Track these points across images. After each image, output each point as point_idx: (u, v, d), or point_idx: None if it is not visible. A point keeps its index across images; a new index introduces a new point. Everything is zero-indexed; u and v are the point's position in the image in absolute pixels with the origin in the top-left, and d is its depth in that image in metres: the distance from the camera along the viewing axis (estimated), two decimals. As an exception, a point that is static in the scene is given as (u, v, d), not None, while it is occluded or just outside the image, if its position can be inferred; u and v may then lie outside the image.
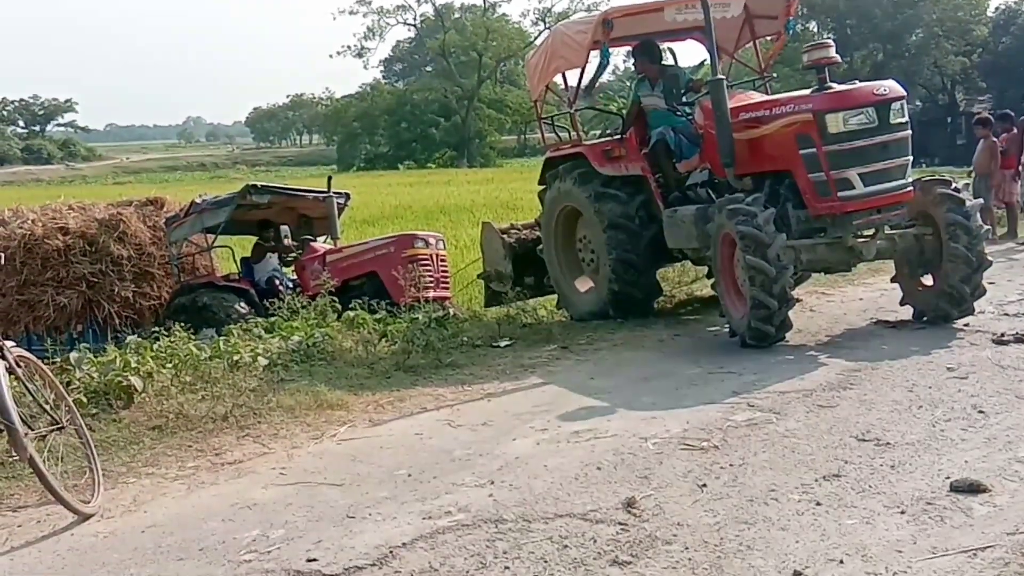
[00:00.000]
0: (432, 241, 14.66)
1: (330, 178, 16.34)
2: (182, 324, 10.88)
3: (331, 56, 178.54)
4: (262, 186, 15.30)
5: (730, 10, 10.72)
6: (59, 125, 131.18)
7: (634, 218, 10.78)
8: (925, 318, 9.49)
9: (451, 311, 12.03)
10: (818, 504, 5.14)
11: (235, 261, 15.98)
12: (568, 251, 12.07)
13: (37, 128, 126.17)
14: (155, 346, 9.39)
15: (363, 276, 14.12)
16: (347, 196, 16.41)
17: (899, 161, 9.03)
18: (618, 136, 11.39)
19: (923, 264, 9.55)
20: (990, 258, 9.28)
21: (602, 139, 12.47)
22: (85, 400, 7.76)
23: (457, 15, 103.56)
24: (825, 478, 5.53)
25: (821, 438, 6.25)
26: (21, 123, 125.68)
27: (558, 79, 12.39)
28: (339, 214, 15.68)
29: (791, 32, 11.48)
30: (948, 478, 5.36)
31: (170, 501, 6.07)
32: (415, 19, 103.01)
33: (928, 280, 9.60)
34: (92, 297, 14.87)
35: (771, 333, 8.81)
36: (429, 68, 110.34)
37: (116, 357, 8.56)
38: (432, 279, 13.76)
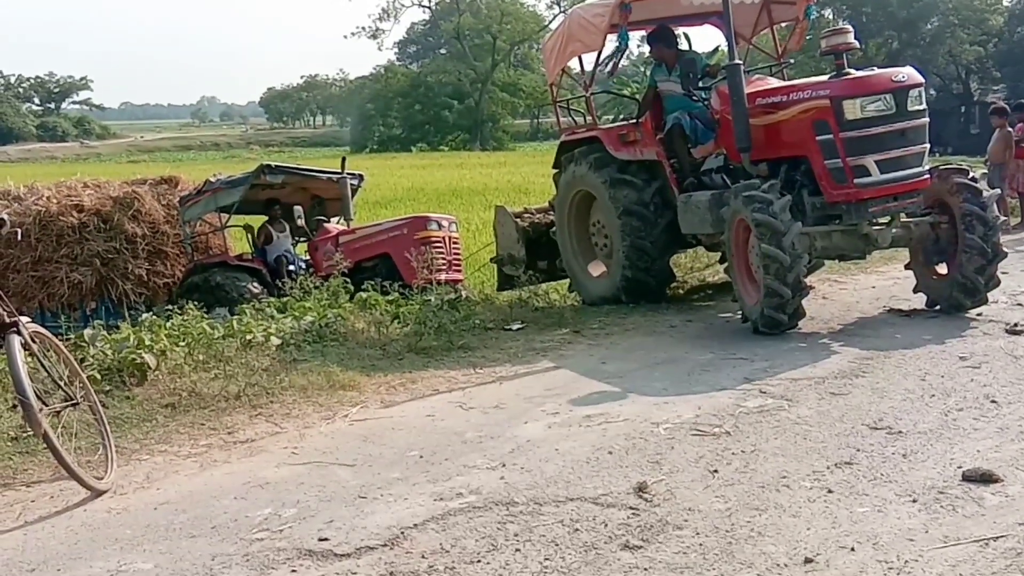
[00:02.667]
0: (445, 223, 14.68)
1: (344, 159, 16.37)
2: (195, 303, 10.91)
3: (345, 37, 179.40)
4: (276, 166, 15.39)
5: None
6: (74, 103, 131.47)
7: (649, 205, 10.73)
8: (938, 307, 9.45)
9: (463, 293, 12.03)
10: (830, 491, 5.14)
11: (249, 241, 16.03)
12: (581, 235, 12.03)
13: (52, 106, 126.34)
14: (168, 324, 9.42)
15: (376, 257, 14.12)
16: (361, 177, 16.42)
17: (916, 149, 8.97)
18: (633, 120, 11.33)
19: (938, 252, 9.47)
20: (1005, 249, 9.23)
21: (617, 123, 12.39)
22: (99, 377, 7.81)
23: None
24: (837, 465, 5.52)
25: (833, 425, 6.24)
26: (36, 100, 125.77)
27: (574, 63, 12.29)
28: (353, 195, 15.71)
29: (811, 18, 11.35)
30: (960, 467, 5.35)
31: (182, 479, 6.10)
32: (430, 1, 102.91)
33: (943, 269, 9.51)
34: (106, 274, 14.95)
35: (784, 321, 8.77)
36: (443, 51, 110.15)
37: (130, 334, 8.61)
38: (445, 261, 13.83)
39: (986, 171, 16.43)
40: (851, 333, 9.00)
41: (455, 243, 14.68)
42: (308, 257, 15.39)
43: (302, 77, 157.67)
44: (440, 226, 14.47)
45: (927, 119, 9.10)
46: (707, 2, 10.65)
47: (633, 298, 10.96)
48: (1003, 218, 9.54)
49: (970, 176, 9.30)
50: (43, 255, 14.89)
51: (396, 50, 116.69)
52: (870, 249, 9.55)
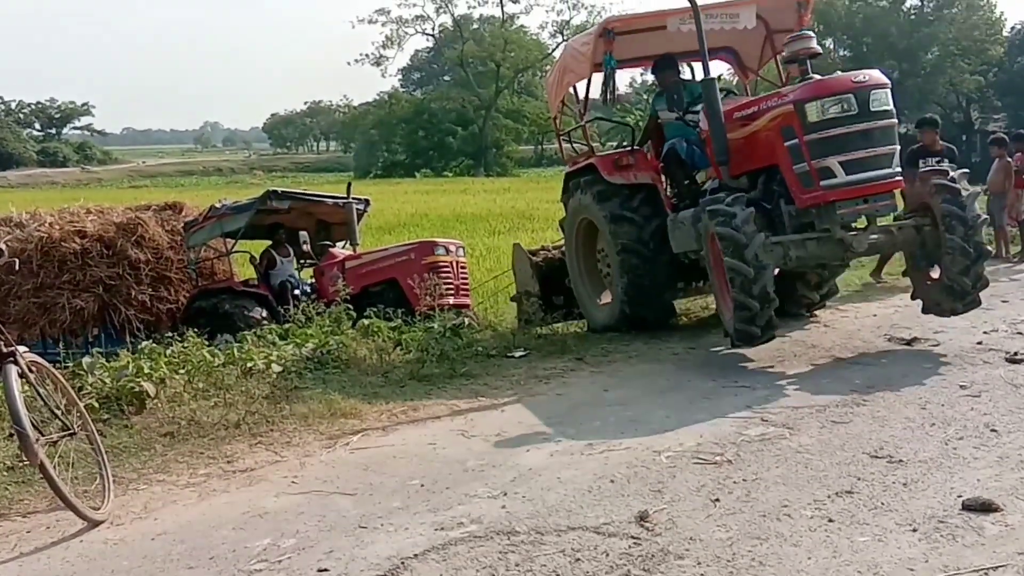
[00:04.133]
0: (452, 248, 14.69)
1: (350, 184, 16.42)
2: (199, 329, 10.92)
3: (349, 64, 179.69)
4: (283, 192, 15.37)
5: (740, 21, 10.68)
6: (75, 128, 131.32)
7: (649, 243, 10.69)
8: (930, 312, 9.47)
9: (466, 320, 12.02)
10: (830, 521, 5.12)
11: (253, 266, 15.95)
12: (589, 260, 12.05)
13: (53, 131, 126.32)
14: (168, 352, 9.42)
15: (382, 283, 14.08)
16: (367, 202, 16.42)
17: (883, 150, 8.88)
18: (629, 148, 11.46)
19: (926, 257, 9.43)
20: (990, 248, 9.27)
21: (614, 151, 12.52)
22: (97, 405, 7.82)
23: (475, 26, 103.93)
24: (838, 494, 5.50)
25: (834, 454, 6.22)
26: (37, 126, 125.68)
27: (579, 90, 12.36)
28: (359, 220, 15.71)
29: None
30: (960, 496, 5.32)
31: (181, 508, 6.08)
32: (433, 29, 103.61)
33: (935, 273, 9.45)
34: (108, 300, 14.86)
35: (756, 334, 8.74)
36: (447, 77, 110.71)
37: (129, 362, 8.62)
38: (452, 286, 13.78)
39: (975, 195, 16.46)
40: (852, 361, 8.99)
41: (463, 268, 14.68)
42: (312, 281, 15.35)
43: (306, 103, 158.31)
44: (447, 251, 14.46)
45: (894, 120, 8.98)
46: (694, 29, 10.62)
47: (634, 328, 10.93)
48: (985, 217, 9.35)
49: (949, 176, 9.20)
50: (45, 281, 14.78)
51: (400, 77, 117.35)
52: (848, 256, 9.55)
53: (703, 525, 5.18)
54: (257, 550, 5.24)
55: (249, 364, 9.14)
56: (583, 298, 12.08)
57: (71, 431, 6.18)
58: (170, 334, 11.44)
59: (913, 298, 9.78)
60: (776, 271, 9.10)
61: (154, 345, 9.81)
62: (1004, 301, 9.54)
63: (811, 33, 9.70)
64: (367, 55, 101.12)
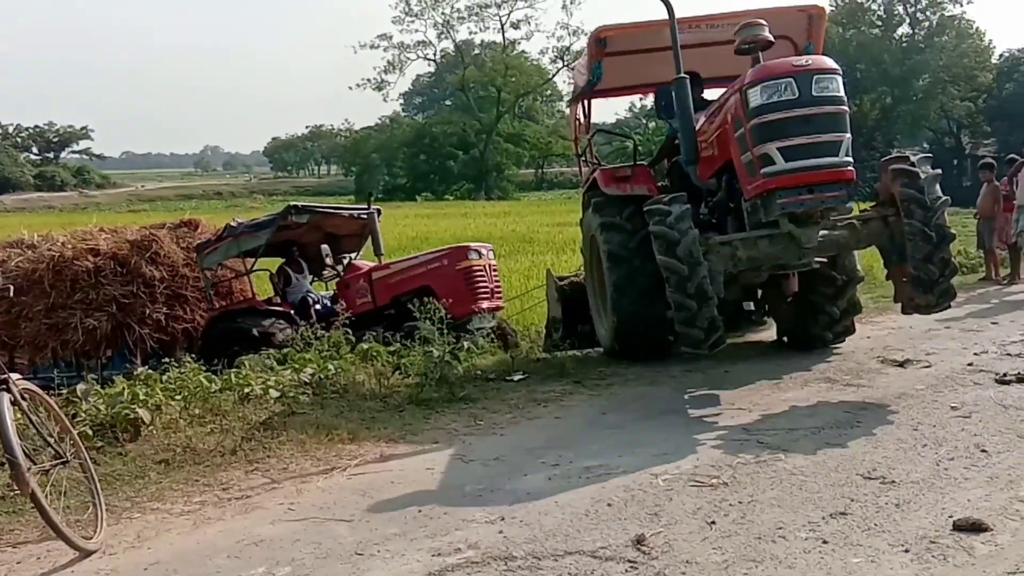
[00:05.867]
0: (484, 251, 14.44)
1: (371, 194, 16.19)
2: (222, 351, 10.87)
3: (351, 88, 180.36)
4: (303, 206, 14.97)
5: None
6: (74, 152, 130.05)
7: (637, 250, 10.17)
8: (908, 312, 9.21)
9: (491, 323, 11.99)
10: (824, 542, 5.14)
11: (272, 284, 15.69)
12: (600, 280, 11.50)
13: (51, 155, 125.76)
14: (164, 378, 9.42)
15: (414, 291, 13.59)
16: (378, 212, 15.99)
17: (827, 137, 8.49)
18: (633, 163, 11.32)
19: (898, 252, 8.99)
20: (953, 231, 8.75)
21: (618, 164, 12.31)
22: (91, 433, 7.80)
23: (477, 51, 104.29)
24: (832, 516, 5.53)
25: (828, 476, 6.25)
26: (35, 150, 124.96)
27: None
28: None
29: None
30: (951, 517, 5.37)
31: (175, 537, 6.06)
32: (435, 54, 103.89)
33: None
34: (122, 320, 14.42)
35: (699, 337, 8.53)
36: (448, 102, 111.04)
37: (124, 389, 8.59)
38: (487, 290, 13.71)
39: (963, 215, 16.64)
40: (846, 383, 9.02)
41: (495, 271, 14.42)
42: (329, 294, 15.19)
43: (307, 127, 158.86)
44: (480, 255, 14.18)
45: (842, 107, 8.60)
46: (691, 39, 10.50)
47: (627, 352, 10.68)
48: (946, 199, 8.74)
49: (908, 161, 8.86)
50: (57, 302, 14.36)
51: (401, 101, 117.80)
52: (803, 255, 9.09)
53: (699, 548, 5.19)
54: (252, 578, 5.22)
55: (246, 390, 9.15)
56: (595, 319, 11.84)
57: (64, 459, 6.14)
58: (188, 357, 11.36)
59: (895, 300, 9.47)
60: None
61: (150, 371, 9.80)
62: (993, 323, 9.58)
63: (762, 21, 9.34)
64: (369, 80, 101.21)
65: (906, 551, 4.97)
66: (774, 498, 5.91)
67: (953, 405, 7.91)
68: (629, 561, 5.08)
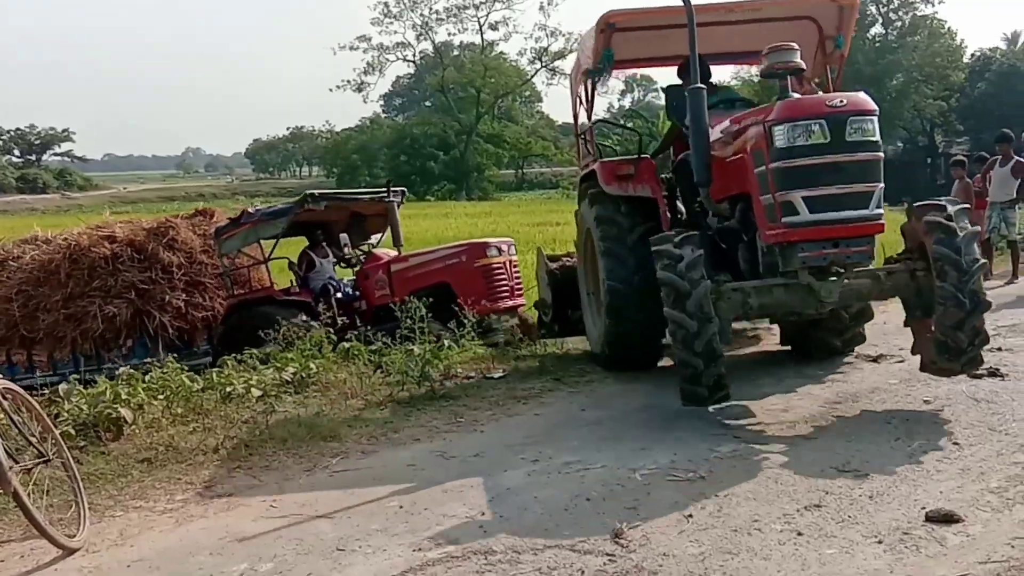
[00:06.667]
0: (504, 247, 14.03)
1: (390, 181, 15.73)
2: (239, 343, 11.05)
3: (331, 90, 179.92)
4: (320, 194, 14.51)
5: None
6: (56, 155, 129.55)
7: (634, 248, 9.51)
8: (927, 371, 8.24)
9: (513, 321, 11.89)
10: (799, 534, 5.22)
11: (292, 271, 15.19)
12: (594, 281, 10.78)
13: (33, 158, 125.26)
14: (147, 377, 9.44)
15: (431, 287, 13.31)
16: (403, 193, 15.66)
17: (859, 187, 7.53)
18: (636, 156, 10.16)
19: (923, 307, 8.14)
20: (989, 298, 7.88)
21: (619, 158, 10.86)
22: (74, 432, 7.83)
23: (456, 53, 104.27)
24: (807, 508, 5.61)
25: (803, 469, 6.33)
26: (17, 152, 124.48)
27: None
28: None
29: (840, 49, 10.45)
30: (924, 508, 5.45)
31: (157, 535, 6.09)
32: (414, 56, 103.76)
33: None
34: (142, 306, 14.29)
35: (703, 396, 7.67)
36: (428, 103, 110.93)
37: (106, 389, 8.62)
38: (507, 288, 13.46)
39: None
40: (820, 379, 9.10)
41: (515, 267, 14.13)
42: (350, 280, 14.88)
43: (288, 128, 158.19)
44: (500, 251, 13.78)
45: (876, 153, 7.60)
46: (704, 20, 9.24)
47: (617, 357, 10.06)
48: (983, 261, 8.05)
49: (945, 213, 7.84)
50: (75, 291, 14.30)
51: (382, 102, 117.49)
52: (820, 307, 8.14)
53: (676, 541, 5.26)
54: (234, 575, 5.28)
55: (228, 389, 9.18)
56: (585, 313, 11.26)
57: (46, 458, 6.16)
58: (207, 347, 11.23)
59: (913, 352, 8.54)
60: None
61: (131, 371, 9.82)
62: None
63: (794, 45, 8.24)
64: (349, 81, 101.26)
65: (879, 542, 5.05)
66: (750, 491, 5.98)
67: (926, 399, 8.00)
68: (607, 554, 5.14)
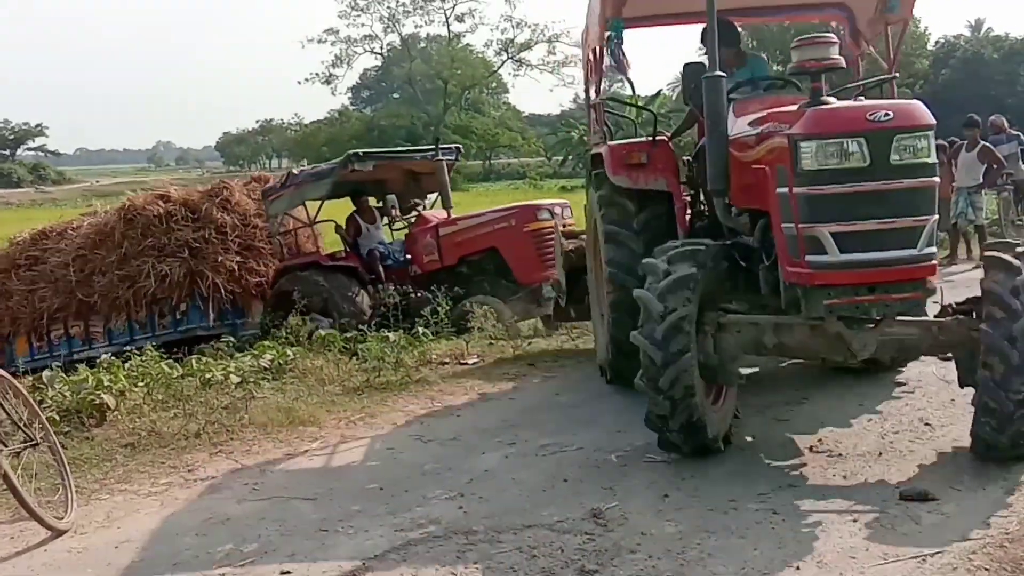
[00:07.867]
0: (558, 210, 13.16)
1: (438, 139, 15.44)
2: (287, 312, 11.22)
3: (300, 83, 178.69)
4: (365, 153, 14.12)
5: None
6: (29, 149, 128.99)
7: (639, 234, 8.10)
8: (974, 451, 6.08)
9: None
10: (775, 513, 5.32)
11: (340, 235, 14.76)
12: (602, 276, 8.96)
13: (7, 152, 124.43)
14: (127, 365, 9.47)
15: (481, 252, 13.15)
16: (458, 151, 15.28)
17: (904, 222, 5.79)
18: (651, 139, 8.54)
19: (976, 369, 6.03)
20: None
21: (630, 140, 9.03)
22: (58, 418, 7.86)
23: (423, 45, 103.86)
24: (782, 488, 5.71)
25: (778, 450, 6.44)
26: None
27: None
28: (448, 172, 14.58)
29: (894, 11, 8.55)
30: (897, 487, 5.56)
31: (143, 517, 6.13)
32: (382, 48, 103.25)
33: None
34: (195, 267, 13.99)
35: (675, 442, 6.35)
36: (396, 95, 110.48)
37: (88, 376, 8.65)
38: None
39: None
40: (793, 362, 8.97)
41: None
42: (400, 244, 14.44)
43: (257, 121, 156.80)
44: (552, 214, 12.92)
45: (931, 179, 5.85)
46: None
47: (624, 375, 7.53)
48: None
49: (1014, 252, 6.06)
50: (129, 251, 14.11)
51: (350, 95, 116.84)
52: (849, 357, 6.36)
53: (654, 520, 5.35)
54: (219, 555, 5.33)
55: (207, 375, 9.21)
56: (593, 310, 9.93)
57: (34, 442, 6.20)
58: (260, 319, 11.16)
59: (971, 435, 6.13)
60: None
61: (113, 358, 9.85)
62: (934, 302, 9.57)
63: (833, 37, 6.50)
64: (317, 74, 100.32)
65: (854, 520, 5.15)
66: (726, 472, 6.07)
67: (897, 381, 8.08)
68: (586, 533, 5.22)
